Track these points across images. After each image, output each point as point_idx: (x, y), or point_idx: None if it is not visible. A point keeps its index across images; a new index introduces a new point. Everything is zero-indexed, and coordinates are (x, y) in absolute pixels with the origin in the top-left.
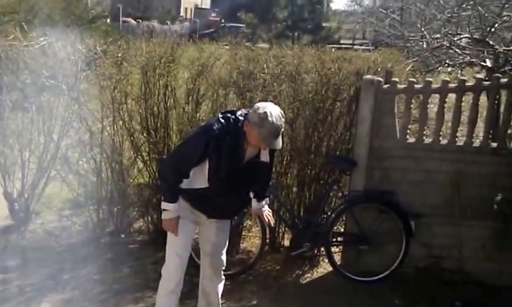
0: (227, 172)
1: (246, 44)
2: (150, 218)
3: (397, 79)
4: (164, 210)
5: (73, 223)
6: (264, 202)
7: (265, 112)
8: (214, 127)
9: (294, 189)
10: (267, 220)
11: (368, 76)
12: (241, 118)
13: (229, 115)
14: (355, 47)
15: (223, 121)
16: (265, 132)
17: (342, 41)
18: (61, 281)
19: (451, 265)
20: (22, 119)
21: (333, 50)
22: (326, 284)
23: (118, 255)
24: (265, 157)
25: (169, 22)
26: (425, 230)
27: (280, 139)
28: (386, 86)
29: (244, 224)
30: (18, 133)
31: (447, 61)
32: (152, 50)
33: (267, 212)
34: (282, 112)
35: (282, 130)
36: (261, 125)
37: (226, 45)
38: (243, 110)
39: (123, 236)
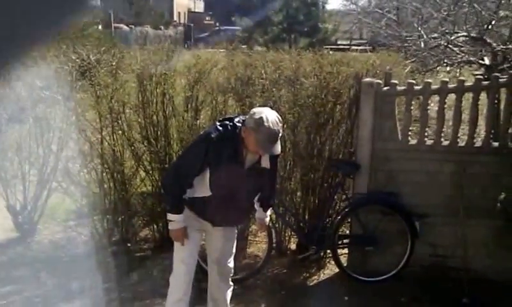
0: (228, 179)
1: (243, 48)
2: (155, 226)
3: (396, 81)
4: (170, 221)
5: (79, 234)
6: (268, 212)
7: (261, 117)
8: (212, 135)
9: (298, 194)
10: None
11: (368, 79)
12: (239, 124)
13: (227, 122)
14: (353, 47)
15: (220, 128)
16: (262, 138)
17: (339, 42)
18: (69, 291)
19: (456, 263)
20: (20, 132)
21: (330, 52)
22: (333, 286)
23: (125, 264)
24: (265, 162)
25: (162, 27)
26: (430, 230)
27: (278, 145)
28: (385, 88)
29: (250, 229)
30: (17, 146)
31: (445, 60)
32: (147, 58)
33: (265, 226)
34: (279, 117)
35: (280, 135)
36: (257, 131)
37: (223, 50)
38: (241, 116)
39: (129, 245)
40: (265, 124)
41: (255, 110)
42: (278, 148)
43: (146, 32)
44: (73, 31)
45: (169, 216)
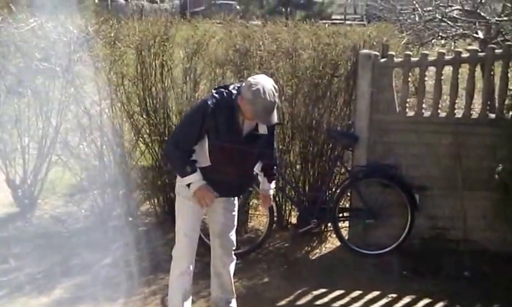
0: (227, 147)
1: (240, 21)
2: (156, 200)
3: (393, 53)
4: (189, 183)
5: (79, 208)
6: (272, 184)
7: (258, 89)
8: (209, 102)
9: (298, 166)
10: (268, 206)
11: (365, 50)
12: (234, 91)
13: (222, 90)
14: (347, 22)
15: (217, 95)
16: (259, 109)
17: (333, 17)
18: (72, 266)
19: (456, 236)
20: (19, 104)
21: (326, 25)
22: (335, 259)
23: (127, 238)
24: (263, 129)
25: (158, 1)
26: (429, 202)
27: (274, 114)
28: (383, 60)
29: (251, 203)
30: (16, 118)
31: (440, 34)
32: (145, 29)
33: (270, 199)
34: (275, 85)
35: (276, 104)
36: (254, 102)
37: (220, 22)
38: (236, 84)
39: (130, 219)
40: (262, 96)
41: (251, 80)
42: (274, 118)
43: (142, 5)
44: (69, 3)
45: (186, 179)
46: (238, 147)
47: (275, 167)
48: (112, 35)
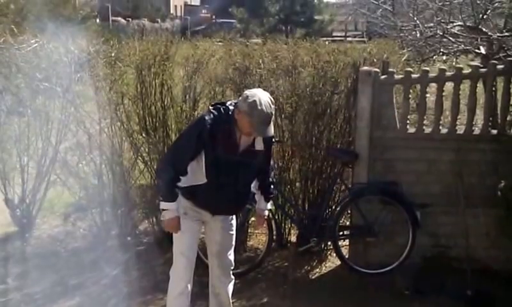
0: (224, 164)
1: (240, 39)
2: (155, 219)
3: (394, 70)
4: (163, 209)
5: (78, 227)
6: (268, 205)
7: (255, 101)
8: (206, 118)
9: (297, 184)
10: (262, 226)
11: (365, 67)
12: (231, 107)
13: (219, 106)
14: (348, 38)
15: (214, 112)
16: (256, 121)
17: (334, 34)
18: (69, 286)
19: (458, 254)
20: (19, 124)
21: (327, 42)
22: (336, 279)
23: (125, 258)
24: (259, 145)
25: (159, 20)
26: (431, 220)
27: (271, 127)
28: (383, 76)
29: (250, 222)
30: (16, 138)
31: (441, 50)
32: (146, 49)
33: (264, 219)
34: (271, 98)
35: (273, 116)
36: (251, 114)
37: (220, 41)
38: (233, 100)
39: (129, 238)
40: (259, 107)
41: (247, 93)
42: (271, 130)
43: (143, 25)
44: (71, 24)
45: (163, 204)
46: (234, 164)
47: (272, 186)
48: (112, 55)
